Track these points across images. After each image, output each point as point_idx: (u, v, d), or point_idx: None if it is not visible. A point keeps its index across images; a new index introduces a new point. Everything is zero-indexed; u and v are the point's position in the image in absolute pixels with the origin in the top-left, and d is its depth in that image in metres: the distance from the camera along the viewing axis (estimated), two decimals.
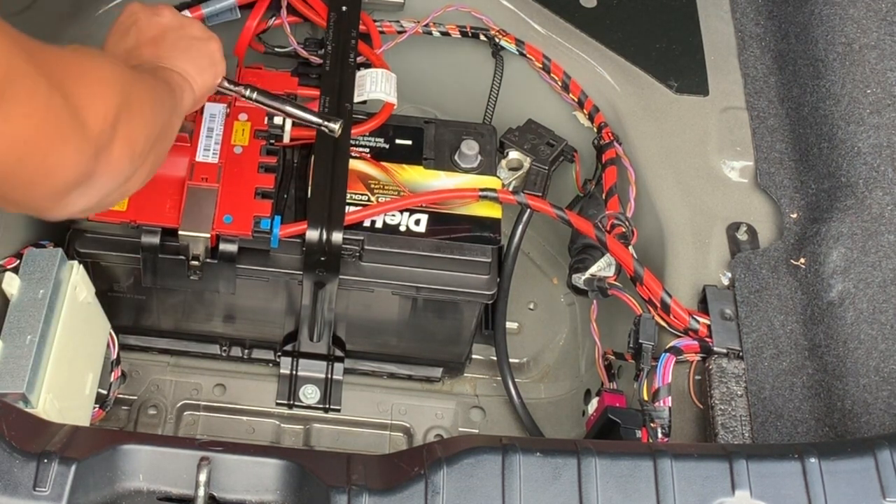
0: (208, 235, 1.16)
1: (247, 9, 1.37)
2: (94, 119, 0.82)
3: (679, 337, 1.16)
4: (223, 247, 1.17)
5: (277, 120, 1.23)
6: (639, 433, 1.10)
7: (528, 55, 1.40)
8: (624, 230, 1.24)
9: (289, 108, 1.17)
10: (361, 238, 1.21)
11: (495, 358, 1.39)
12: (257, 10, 1.36)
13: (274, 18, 1.37)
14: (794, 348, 1.14)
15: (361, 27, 1.36)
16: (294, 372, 1.38)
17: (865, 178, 1.22)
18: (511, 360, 1.40)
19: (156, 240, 1.16)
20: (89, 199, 0.87)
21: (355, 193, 1.23)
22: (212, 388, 1.39)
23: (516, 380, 1.40)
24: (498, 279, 1.25)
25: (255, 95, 1.15)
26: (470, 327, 1.33)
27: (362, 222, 1.22)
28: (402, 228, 1.23)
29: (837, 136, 1.26)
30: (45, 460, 0.80)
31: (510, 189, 1.30)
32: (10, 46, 0.74)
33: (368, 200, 1.23)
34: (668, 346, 1.14)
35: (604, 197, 1.29)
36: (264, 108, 1.17)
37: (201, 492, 0.82)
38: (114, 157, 0.85)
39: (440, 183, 1.26)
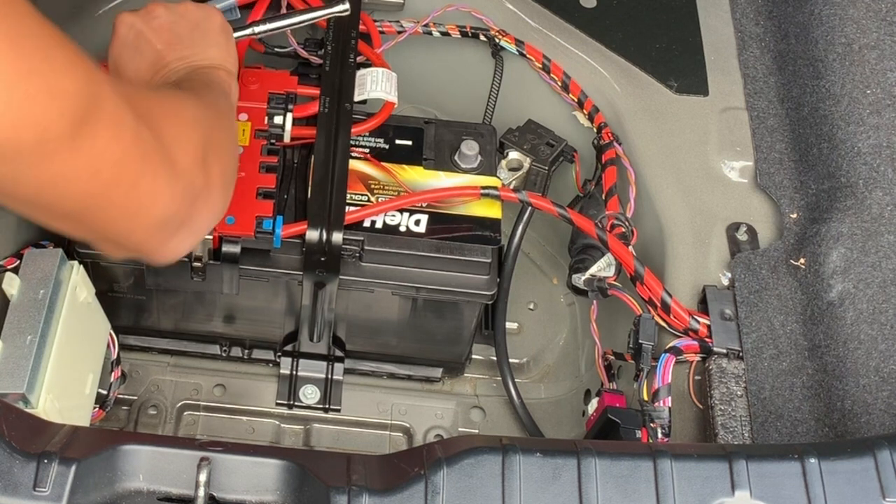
0: (210, 236, 1.16)
1: (247, 9, 1.37)
2: (184, 158, 0.82)
3: (679, 337, 1.16)
4: (226, 248, 1.17)
5: (278, 119, 1.23)
6: (639, 433, 1.10)
7: (528, 55, 1.41)
8: (624, 230, 1.24)
9: (294, 19, 1.24)
10: (361, 238, 1.21)
11: (495, 358, 1.39)
12: (257, 10, 1.36)
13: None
14: (794, 348, 1.14)
15: (361, 27, 1.36)
16: (294, 372, 1.38)
17: (865, 178, 1.22)
18: (511, 360, 1.40)
19: None
20: (194, 238, 0.87)
21: (355, 193, 1.23)
22: (212, 389, 1.39)
23: (516, 380, 1.40)
24: (498, 279, 1.25)
25: (260, 28, 1.21)
26: (470, 327, 1.33)
27: (362, 222, 1.22)
28: (402, 228, 1.23)
29: (837, 137, 1.26)
30: (45, 460, 0.80)
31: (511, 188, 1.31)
32: (97, 74, 0.72)
33: (368, 200, 1.23)
34: (668, 347, 1.14)
35: (604, 197, 1.29)
36: (274, 33, 1.23)
37: (201, 492, 0.82)
38: (211, 197, 0.86)
39: (440, 183, 1.26)
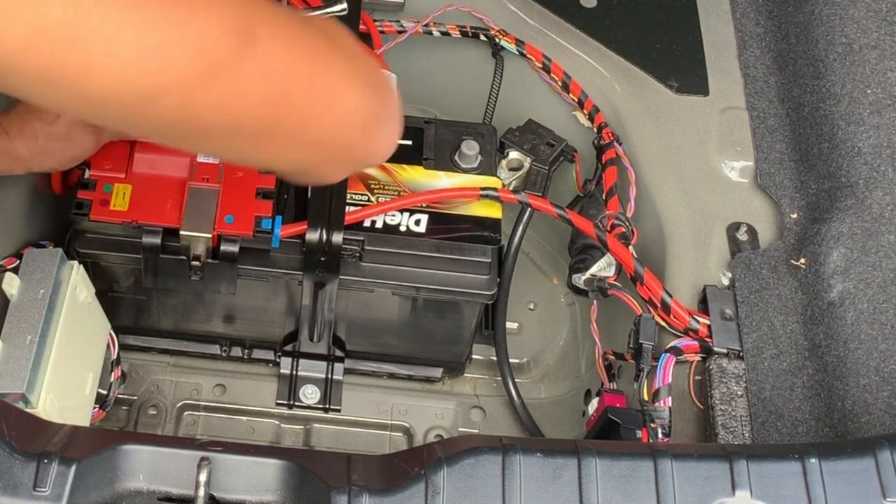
0: (210, 235, 1.16)
1: None
2: (354, 47, 0.80)
3: (679, 337, 1.16)
4: (224, 247, 1.17)
5: None
6: (639, 433, 1.10)
7: (528, 55, 1.41)
8: (624, 230, 1.24)
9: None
10: (361, 238, 1.21)
11: (495, 358, 1.39)
12: None
13: None
14: (795, 348, 1.14)
15: (361, 27, 1.36)
16: (294, 372, 1.38)
17: (866, 178, 1.22)
18: (511, 360, 1.40)
19: (157, 240, 1.16)
20: (396, 127, 0.86)
21: (355, 193, 1.23)
22: (212, 389, 1.39)
23: (516, 380, 1.40)
24: (498, 279, 1.25)
25: None
26: (470, 327, 1.33)
27: (362, 222, 1.22)
28: (402, 228, 1.23)
29: (837, 136, 1.26)
30: (45, 460, 0.80)
31: (511, 189, 1.30)
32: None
33: (368, 200, 1.23)
34: (668, 347, 1.14)
35: (604, 197, 1.29)
36: None
37: (201, 492, 0.82)
38: (391, 84, 0.85)
39: (440, 183, 1.26)
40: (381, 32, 1.40)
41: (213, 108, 0.70)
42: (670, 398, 1.11)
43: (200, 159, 1.19)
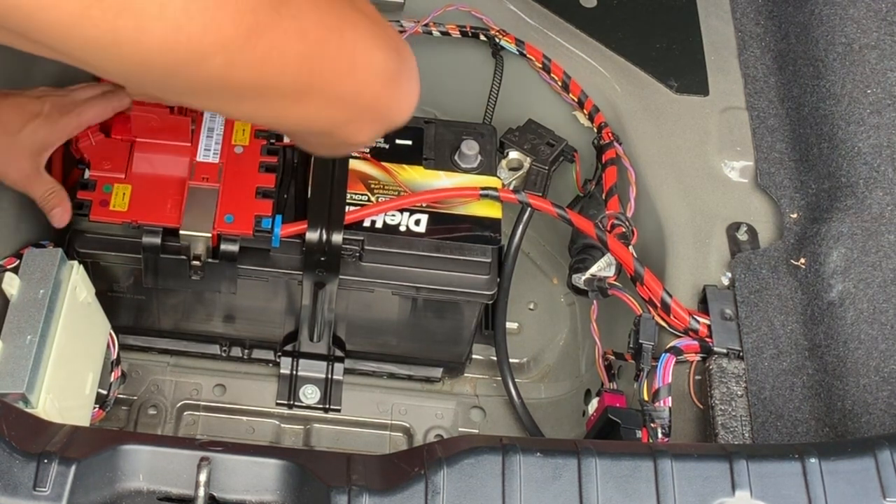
0: (209, 235, 1.16)
1: None
2: (373, 12, 0.83)
3: (679, 337, 1.16)
4: (224, 246, 1.17)
5: None
6: (639, 433, 1.10)
7: (528, 55, 1.41)
8: (624, 230, 1.24)
9: None
10: (361, 238, 1.21)
11: (495, 358, 1.39)
12: None
13: None
14: (795, 348, 1.14)
15: None
16: (294, 372, 1.38)
17: (865, 178, 1.22)
18: (511, 360, 1.40)
19: (157, 240, 1.16)
20: (415, 84, 0.89)
21: (355, 193, 1.23)
22: (212, 389, 1.39)
23: (516, 380, 1.40)
24: (498, 279, 1.25)
25: None
26: (470, 327, 1.33)
27: (362, 222, 1.22)
28: (402, 228, 1.23)
29: (837, 136, 1.26)
30: (45, 460, 0.80)
31: (511, 189, 1.30)
32: None
33: (368, 200, 1.23)
34: (668, 347, 1.14)
35: (604, 197, 1.29)
36: None
37: (201, 492, 0.82)
38: (407, 45, 0.88)
39: (440, 183, 1.26)
40: None
41: (255, 67, 0.73)
42: (670, 398, 1.11)
43: (200, 159, 1.19)
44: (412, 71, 0.90)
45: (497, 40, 1.42)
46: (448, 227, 1.23)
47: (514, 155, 1.34)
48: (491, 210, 1.25)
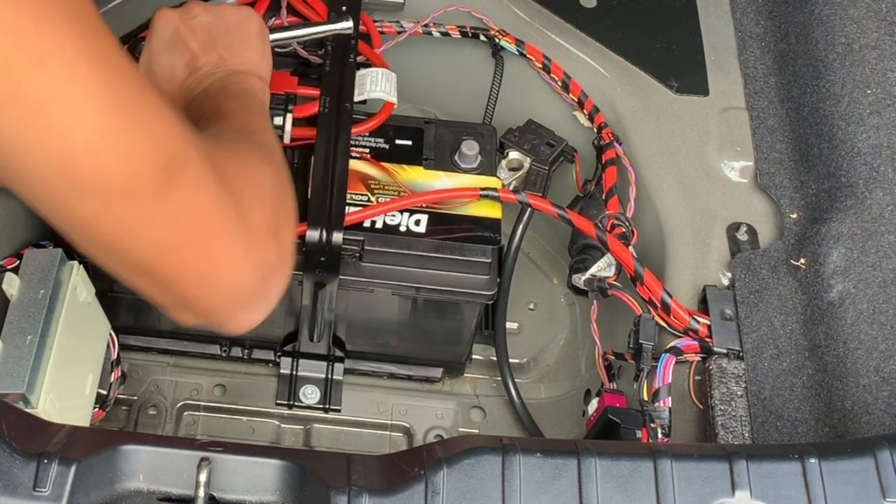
0: None
1: None
2: (260, 227, 0.83)
3: (679, 337, 1.16)
4: None
5: (278, 120, 1.23)
6: (639, 433, 1.10)
7: (528, 55, 1.41)
8: (624, 230, 1.24)
9: (295, 32, 1.27)
10: (361, 238, 1.21)
11: (495, 358, 1.39)
12: (257, 10, 1.36)
13: (274, 18, 1.37)
14: (794, 348, 1.14)
15: (361, 27, 1.36)
16: (294, 372, 1.38)
17: (865, 178, 1.22)
18: (511, 360, 1.40)
19: None
20: (264, 311, 0.87)
21: (355, 193, 1.23)
22: (212, 389, 1.39)
23: (516, 380, 1.40)
24: (498, 279, 1.25)
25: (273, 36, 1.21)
26: (470, 327, 1.33)
27: (362, 222, 1.22)
28: (402, 229, 1.23)
29: (837, 137, 1.26)
30: (46, 461, 0.80)
31: (511, 189, 1.30)
32: (186, 132, 0.75)
33: (368, 201, 1.23)
34: (668, 347, 1.14)
35: (604, 197, 1.29)
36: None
37: (201, 492, 0.82)
38: (283, 269, 0.86)
39: (440, 183, 1.26)
40: (381, 32, 1.40)
41: (117, 229, 0.74)
42: (670, 398, 1.11)
43: None
44: (268, 299, 0.87)
45: (497, 40, 1.42)
46: (448, 227, 1.23)
47: (514, 155, 1.34)
48: (491, 210, 1.25)
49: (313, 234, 1.18)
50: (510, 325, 1.44)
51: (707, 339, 1.15)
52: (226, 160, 0.82)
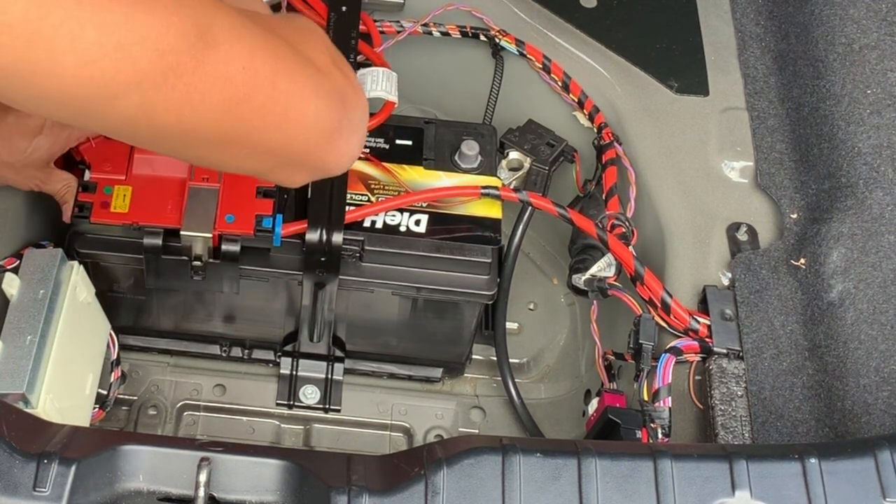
0: (210, 235, 1.16)
1: None
2: (319, 57, 0.81)
3: (679, 337, 1.16)
4: (225, 246, 1.17)
5: None
6: (639, 433, 1.10)
7: (528, 55, 1.41)
8: (624, 230, 1.24)
9: None
10: (361, 238, 1.21)
11: (495, 358, 1.39)
12: None
13: None
14: (795, 349, 1.14)
15: (361, 27, 1.36)
16: (294, 372, 1.38)
17: (866, 178, 1.22)
18: (511, 360, 1.40)
19: (158, 241, 1.16)
20: (359, 138, 0.86)
21: (355, 193, 1.23)
22: (212, 389, 1.39)
23: (516, 380, 1.40)
24: (498, 279, 1.25)
25: None
26: (470, 327, 1.33)
27: (362, 222, 1.22)
28: (402, 229, 1.23)
29: (837, 137, 1.26)
30: (45, 461, 0.80)
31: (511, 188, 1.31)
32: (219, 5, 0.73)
33: (368, 200, 1.23)
34: (668, 347, 1.14)
35: (604, 197, 1.29)
36: None
37: (201, 492, 0.82)
38: (358, 95, 0.85)
39: (440, 183, 1.26)
40: (381, 32, 1.40)
41: (172, 109, 0.71)
42: (670, 398, 1.11)
43: None
44: (355, 123, 0.87)
45: (497, 40, 1.42)
46: (448, 227, 1.23)
47: (514, 155, 1.34)
48: (491, 210, 1.25)
49: (313, 234, 1.18)
50: (510, 325, 1.44)
51: (707, 339, 1.15)
52: (268, 17, 0.81)
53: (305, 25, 0.89)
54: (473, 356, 1.42)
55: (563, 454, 0.86)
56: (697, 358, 1.15)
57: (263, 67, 0.75)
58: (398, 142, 1.30)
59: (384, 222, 1.23)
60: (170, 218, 1.16)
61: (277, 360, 1.39)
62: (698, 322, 1.16)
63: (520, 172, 1.33)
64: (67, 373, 1.10)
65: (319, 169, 0.87)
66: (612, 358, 1.29)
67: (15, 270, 1.10)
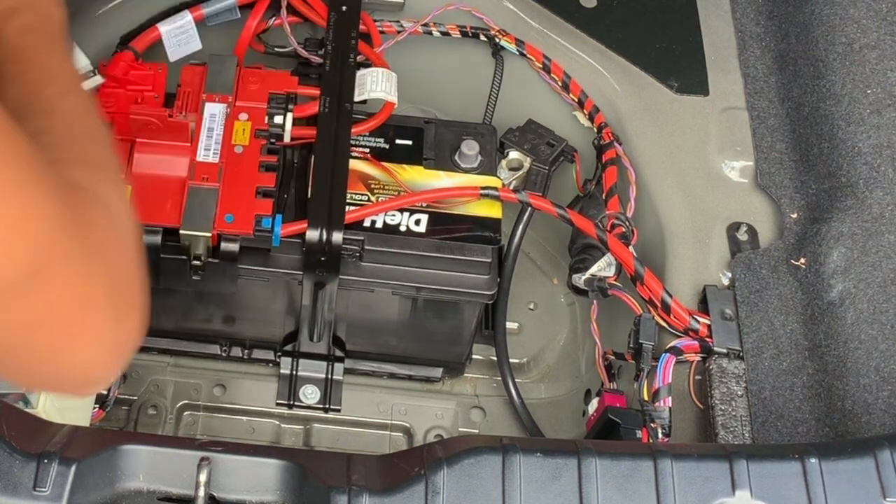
0: (209, 235, 1.16)
1: (247, 9, 1.37)
2: (128, 293, 0.80)
3: (679, 337, 1.16)
4: (224, 246, 1.17)
5: (278, 119, 1.23)
6: (639, 433, 1.10)
7: (528, 55, 1.41)
8: (624, 230, 1.24)
9: None
10: (361, 238, 1.21)
11: (495, 358, 1.39)
12: (257, 10, 1.36)
13: (274, 18, 1.37)
14: (795, 348, 1.14)
15: (361, 27, 1.36)
16: (294, 372, 1.38)
17: (865, 178, 1.22)
18: (511, 360, 1.40)
19: (157, 240, 1.16)
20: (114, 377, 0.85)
21: (355, 193, 1.23)
22: (212, 389, 1.39)
23: (516, 380, 1.40)
24: (498, 279, 1.25)
25: None
26: (470, 327, 1.33)
27: (362, 222, 1.22)
28: (403, 228, 1.23)
29: (838, 136, 1.26)
30: (46, 460, 0.80)
31: (511, 189, 1.30)
32: (55, 224, 0.70)
33: (368, 200, 1.23)
34: (668, 347, 1.14)
35: (604, 197, 1.29)
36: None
37: (201, 492, 0.82)
38: (140, 332, 0.84)
39: (440, 183, 1.26)
40: (381, 32, 1.40)
41: None
42: (670, 398, 1.11)
43: (199, 158, 1.19)
44: (124, 364, 0.84)
45: (497, 40, 1.42)
46: (448, 227, 1.23)
47: (514, 155, 1.34)
48: (491, 210, 1.25)
49: (313, 234, 1.18)
50: (510, 325, 1.44)
51: (707, 339, 1.15)
52: (95, 222, 0.77)
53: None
54: (473, 356, 1.42)
55: (563, 454, 0.86)
56: (697, 358, 1.15)
57: (62, 334, 0.73)
58: (398, 142, 1.30)
59: (384, 222, 1.23)
60: (169, 217, 1.16)
61: (277, 359, 1.39)
62: (698, 322, 1.16)
63: (520, 172, 1.33)
64: None
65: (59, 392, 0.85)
66: (612, 358, 1.28)
67: None
